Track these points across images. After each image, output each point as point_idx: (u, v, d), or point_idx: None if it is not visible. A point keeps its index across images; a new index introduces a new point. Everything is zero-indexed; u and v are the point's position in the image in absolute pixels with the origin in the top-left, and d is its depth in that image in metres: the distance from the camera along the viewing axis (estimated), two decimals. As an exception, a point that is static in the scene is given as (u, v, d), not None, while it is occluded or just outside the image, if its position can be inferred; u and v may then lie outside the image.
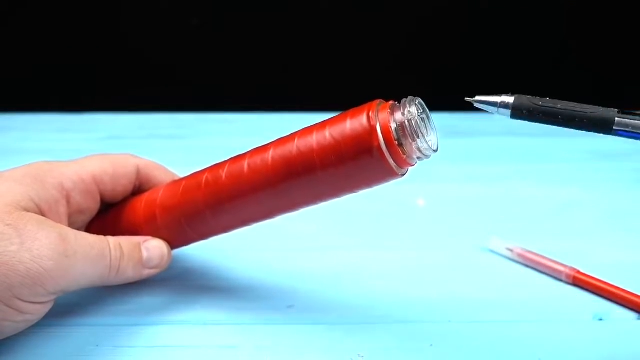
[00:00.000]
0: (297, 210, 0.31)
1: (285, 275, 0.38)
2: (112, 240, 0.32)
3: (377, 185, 0.29)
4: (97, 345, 0.31)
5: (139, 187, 0.36)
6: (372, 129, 0.27)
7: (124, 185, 0.35)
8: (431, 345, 0.32)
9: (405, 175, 0.28)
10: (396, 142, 0.27)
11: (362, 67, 0.77)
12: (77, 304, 0.34)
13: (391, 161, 0.27)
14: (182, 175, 0.35)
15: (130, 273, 0.32)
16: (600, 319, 0.34)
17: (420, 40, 0.77)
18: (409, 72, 0.78)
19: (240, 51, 0.76)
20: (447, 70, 0.79)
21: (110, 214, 0.36)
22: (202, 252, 0.40)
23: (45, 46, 0.75)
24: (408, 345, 0.32)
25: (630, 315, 0.34)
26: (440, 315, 0.34)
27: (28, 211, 0.29)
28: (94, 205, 0.35)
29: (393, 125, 0.27)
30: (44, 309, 0.29)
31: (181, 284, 0.37)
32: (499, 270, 0.39)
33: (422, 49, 0.77)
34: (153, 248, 0.34)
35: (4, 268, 0.26)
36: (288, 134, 0.30)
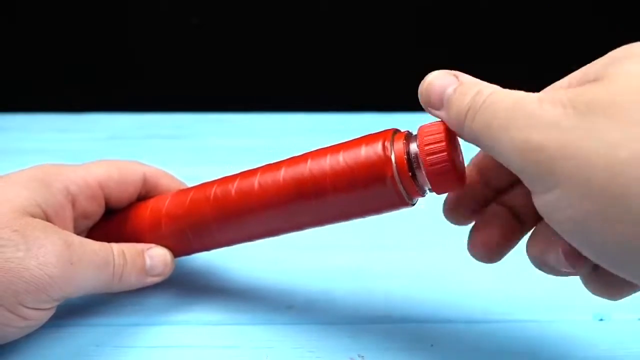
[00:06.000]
0: (303, 230, 0.31)
1: (285, 275, 0.38)
2: (115, 247, 0.32)
3: (386, 212, 0.29)
4: (98, 346, 0.31)
5: (145, 195, 0.36)
6: (387, 159, 0.27)
7: (130, 192, 0.35)
8: (432, 345, 0.32)
9: (415, 205, 0.28)
10: (409, 174, 0.27)
11: (362, 67, 0.77)
12: (77, 304, 0.34)
13: (403, 191, 0.27)
14: (189, 185, 0.35)
15: (133, 280, 0.32)
16: (601, 319, 0.34)
17: (424, 37, 0.77)
18: (409, 70, 0.78)
19: (240, 51, 0.76)
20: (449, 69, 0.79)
21: (114, 219, 0.36)
22: (202, 252, 0.40)
23: (45, 46, 0.75)
24: (408, 345, 0.32)
25: (630, 315, 0.34)
26: (441, 315, 0.34)
27: (34, 216, 0.29)
28: (98, 210, 0.35)
29: (407, 157, 0.27)
30: (47, 315, 0.30)
31: (182, 285, 0.37)
32: (499, 270, 0.39)
33: (425, 46, 0.77)
34: (156, 256, 0.34)
35: (9, 274, 0.27)
36: (301, 153, 0.30)
